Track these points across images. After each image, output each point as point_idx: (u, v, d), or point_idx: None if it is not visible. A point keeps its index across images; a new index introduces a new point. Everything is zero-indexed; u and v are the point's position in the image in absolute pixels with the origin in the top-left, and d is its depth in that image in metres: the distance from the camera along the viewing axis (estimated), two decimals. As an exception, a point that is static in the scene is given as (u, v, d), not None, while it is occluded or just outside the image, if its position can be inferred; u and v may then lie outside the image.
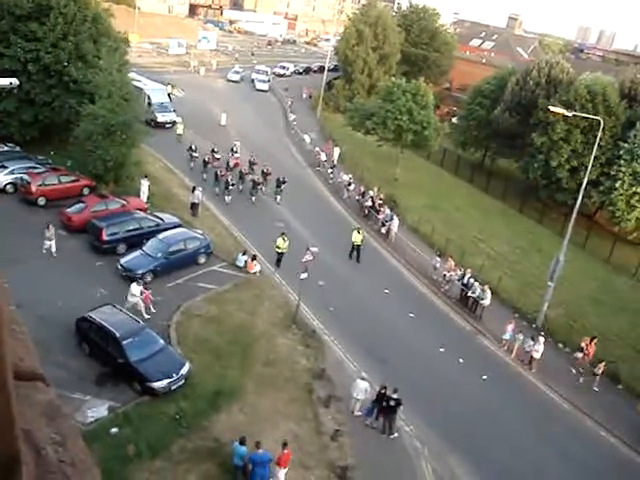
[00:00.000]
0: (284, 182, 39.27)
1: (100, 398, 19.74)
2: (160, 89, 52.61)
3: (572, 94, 44.63)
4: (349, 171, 45.60)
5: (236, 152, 43.63)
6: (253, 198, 38.22)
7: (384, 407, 21.05)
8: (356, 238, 33.14)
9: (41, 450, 1.01)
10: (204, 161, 40.58)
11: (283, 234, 30.59)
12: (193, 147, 42.27)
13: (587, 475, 21.26)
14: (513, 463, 21.01)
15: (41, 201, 31.98)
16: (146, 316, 24.27)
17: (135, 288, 24.45)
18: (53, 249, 27.10)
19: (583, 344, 27.11)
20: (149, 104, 49.17)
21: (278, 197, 39.09)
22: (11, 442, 0.93)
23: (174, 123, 49.19)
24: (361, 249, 33.45)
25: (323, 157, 47.97)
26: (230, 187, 37.24)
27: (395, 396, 20.89)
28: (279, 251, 30.50)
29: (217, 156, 42.09)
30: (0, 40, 35.06)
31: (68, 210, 30.34)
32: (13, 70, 33.23)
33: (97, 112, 31.82)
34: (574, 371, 27.01)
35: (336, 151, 49.40)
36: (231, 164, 40.96)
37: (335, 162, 47.64)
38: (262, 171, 40.53)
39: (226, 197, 37.31)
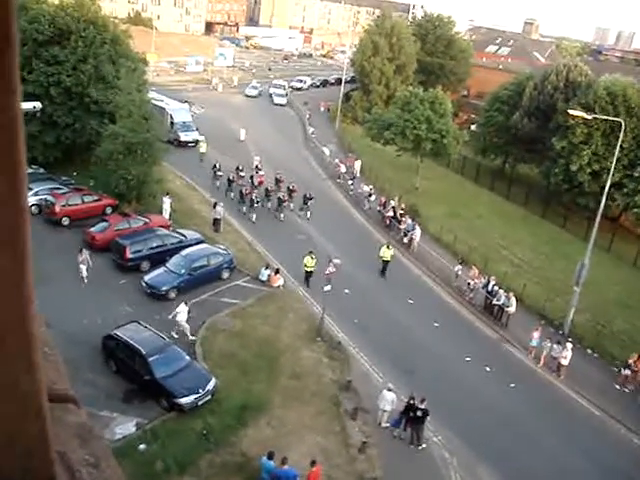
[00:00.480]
0: (311, 198, 38.89)
1: (127, 415, 19.87)
2: (183, 108, 52.56)
3: (591, 96, 44.26)
4: (369, 182, 45.61)
5: (260, 170, 43.30)
6: (282, 215, 37.98)
7: (412, 417, 20.92)
8: (385, 254, 32.47)
9: (75, 472, 1.04)
10: (229, 180, 40.32)
11: (311, 252, 30.00)
12: (217, 166, 42.00)
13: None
14: (543, 473, 20.71)
15: (65, 221, 32.41)
16: (191, 337, 24.32)
17: (182, 308, 24.44)
18: (84, 274, 26.95)
19: (631, 361, 26.32)
20: (172, 123, 49.26)
21: (308, 213, 38.75)
22: (48, 465, 0.97)
23: (197, 142, 48.98)
24: (386, 263, 32.90)
25: (343, 169, 48.05)
26: (255, 205, 36.97)
27: (423, 406, 20.75)
28: (307, 270, 29.89)
29: (242, 174, 41.89)
30: (23, 66, 35.72)
31: (92, 229, 30.71)
32: (36, 94, 33.85)
33: (118, 132, 32.26)
34: (618, 387, 26.46)
35: (357, 164, 49.20)
36: (256, 182, 40.69)
37: (358, 175, 47.60)
38: (288, 188, 40.20)
39: (252, 215, 37.01)
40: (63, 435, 1.11)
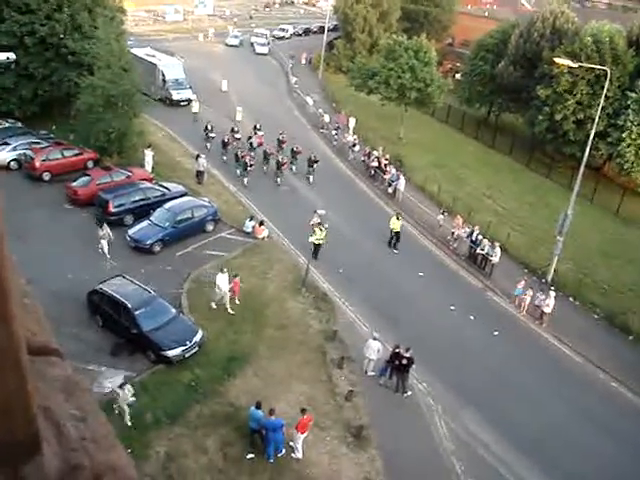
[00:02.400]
0: (316, 161, 37.13)
1: (116, 368, 20.00)
2: (175, 64, 49.44)
3: (577, 44, 43.73)
4: (353, 132, 45.20)
5: (259, 130, 40.96)
6: (278, 179, 36.09)
7: (397, 365, 21.23)
8: (395, 225, 30.78)
9: (61, 427, 0.98)
10: (223, 142, 38.10)
11: (320, 224, 28.35)
12: (209, 127, 39.55)
13: (599, 424, 21.46)
14: (525, 415, 21.22)
15: (46, 176, 31.94)
16: (231, 311, 23.65)
17: (222, 278, 23.59)
18: (105, 249, 25.88)
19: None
20: (163, 81, 47.07)
21: (311, 177, 37.08)
22: (29, 421, 0.91)
23: (190, 101, 46.57)
24: (396, 234, 31.19)
25: (327, 118, 47.52)
26: (249, 168, 35.16)
27: (408, 354, 21.04)
28: (316, 242, 28.13)
29: (237, 135, 39.73)
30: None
31: (73, 184, 30.33)
32: (10, 45, 32.90)
33: (97, 83, 31.55)
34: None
35: (351, 121, 46.66)
36: (254, 143, 38.56)
37: (352, 132, 44.89)
38: (292, 149, 38.18)
39: (245, 179, 35.33)
40: (46, 389, 1.05)
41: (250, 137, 39.23)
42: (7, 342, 0.88)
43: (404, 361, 21.07)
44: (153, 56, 48.77)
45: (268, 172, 36.90)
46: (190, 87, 48.28)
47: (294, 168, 37.76)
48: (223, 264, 24.96)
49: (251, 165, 35.33)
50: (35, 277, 16.99)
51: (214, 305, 23.63)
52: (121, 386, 18.25)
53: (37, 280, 17.56)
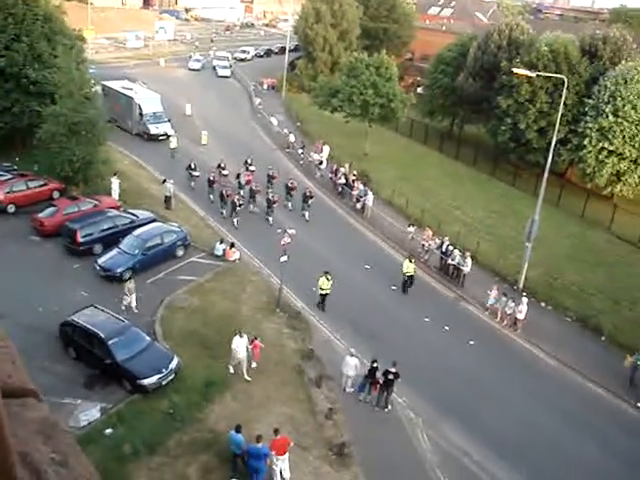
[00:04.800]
0: (311, 197, 35.23)
1: (91, 400, 19.63)
2: (152, 97, 47.60)
3: (534, 55, 44.72)
4: (327, 160, 45.28)
5: (250, 165, 38.77)
6: (270, 219, 33.71)
7: (385, 380, 21.14)
8: (409, 268, 28.90)
9: (42, 473, 0.96)
10: (209, 180, 35.77)
11: (327, 273, 26.27)
12: (192, 165, 37.37)
13: (578, 426, 21.66)
14: (505, 423, 21.34)
15: (11, 208, 31.45)
16: (248, 378, 21.59)
17: (239, 342, 21.47)
18: (133, 304, 24.43)
19: None
20: (140, 115, 45.65)
21: (306, 213, 35.10)
22: (8, 469, 0.88)
23: (168, 135, 44.88)
24: (410, 278, 29.38)
25: (292, 138, 47.68)
26: (238, 208, 33.12)
27: (394, 370, 21.01)
28: (322, 292, 26.47)
29: (225, 172, 37.61)
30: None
31: (40, 215, 29.88)
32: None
33: (59, 112, 31.22)
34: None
35: (326, 149, 44.90)
36: (243, 181, 36.28)
37: (325, 160, 43.46)
38: (286, 185, 36.28)
39: (234, 220, 33.34)
40: (23, 433, 1.03)
41: (239, 174, 37.03)
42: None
43: (390, 376, 21.04)
44: (130, 89, 47.58)
45: (256, 210, 34.86)
46: (169, 120, 46.91)
47: (290, 205, 36.11)
48: (240, 330, 22.11)
49: (240, 205, 33.34)
50: (5, 311, 16.71)
51: (232, 370, 21.71)
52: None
53: (7, 314, 17.27)
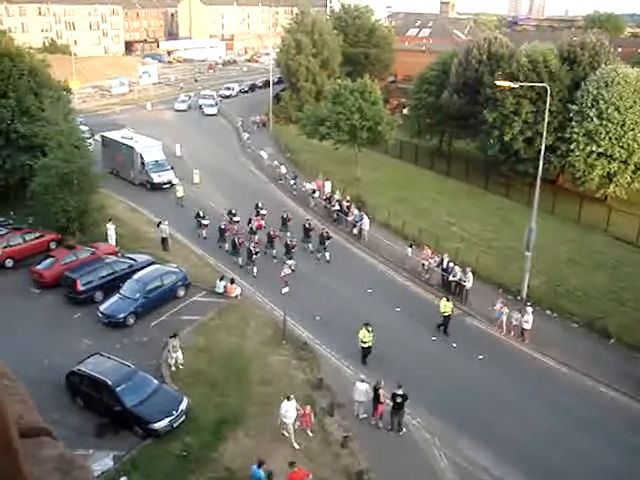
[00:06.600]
0: (329, 238, 33.94)
1: (103, 449, 19.41)
2: (153, 145, 46.72)
3: (515, 66, 45.26)
4: (311, 179, 45.60)
5: (261, 209, 37.70)
6: (290, 263, 30.56)
7: (394, 404, 20.97)
8: (446, 308, 27.28)
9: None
10: (220, 228, 34.46)
11: (367, 325, 24.47)
12: (201, 214, 36.21)
13: (594, 433, 21.43)
14: (521, 435, 21.09)
15: (8, 263, 31.48)
16: (297, 446, 20.04)
17: (288, 406, 20.15)
18: (180, 360, 23.74)
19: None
20: (142, 164, 44.81)
21: (327, 255, 33.56)
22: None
23: (172, 184, 44.07)
24: (447, 318, 27.53)
25: (283, 170, 47.94)
26: (254, 256, 31.43)
27: (400, 392, 20.86)
28: (364, 345, 24.68)
29: (236, 219, 36.05)
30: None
31: (38, 267, 29.90)
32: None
33: (50, 164, 31.43)
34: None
35: (327, 185, 43.84)
36: (254, 226, 34.97)
37: (329, 195, 42.05)
38: (304, 226, 34.99)
39: (252, 268, 31.54)
40: (41, 471, 1.03)
41: (250, 220, 35.67)
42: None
43: (398, 399, 20.88)
44: (130, 138, 47.10)
45: (274, 256, 33.27)
46: (172, 168, 46.00)
47: (310, 246, 34.60)
48: (289, 395, 20.69)
49: (257, 252, 31.67)
50: (10, 367, 16.54)
51: (285, 433, 20.34)
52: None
53: (13, 370, 17.10)
